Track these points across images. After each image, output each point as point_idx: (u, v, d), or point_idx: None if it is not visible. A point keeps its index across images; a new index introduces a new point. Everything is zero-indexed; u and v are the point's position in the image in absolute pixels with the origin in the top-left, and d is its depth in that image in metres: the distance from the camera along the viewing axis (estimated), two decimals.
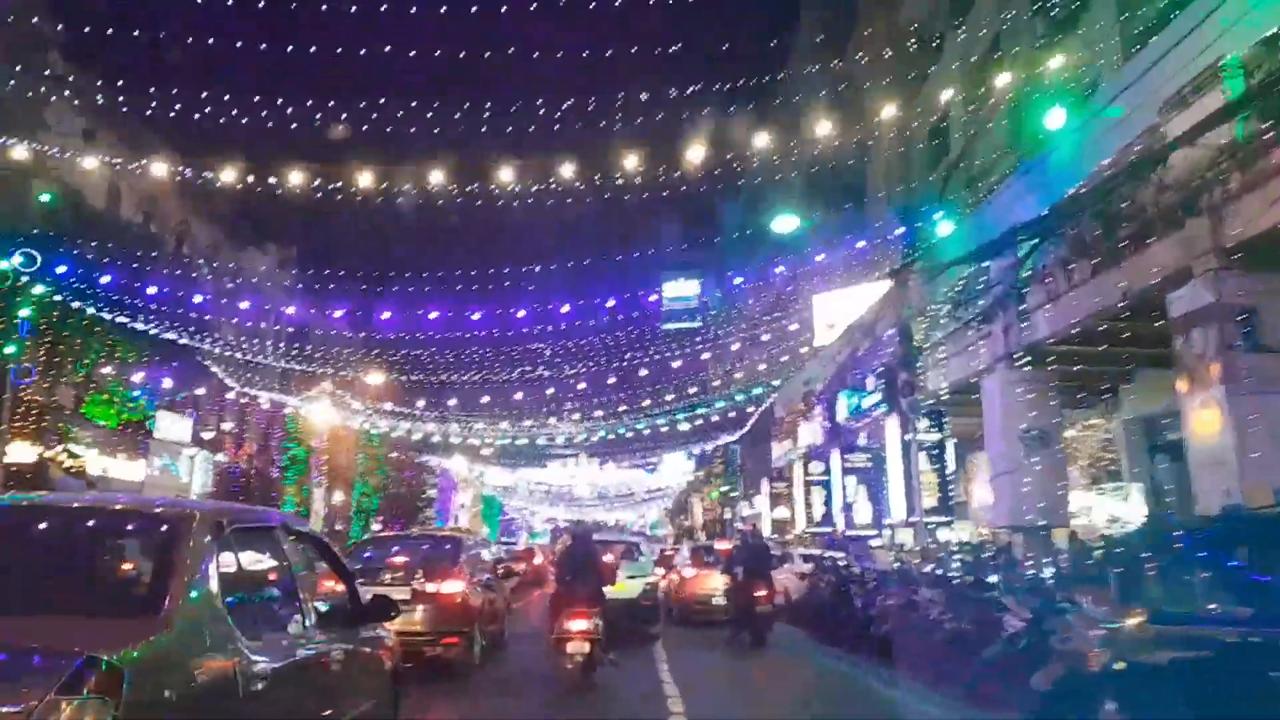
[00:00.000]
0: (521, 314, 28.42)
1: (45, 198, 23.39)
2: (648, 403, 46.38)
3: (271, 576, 4.41)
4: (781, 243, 36.91)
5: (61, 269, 21.39)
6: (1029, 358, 15.78)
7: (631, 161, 16.49)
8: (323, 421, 37.08)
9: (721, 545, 22.48)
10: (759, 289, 42.43)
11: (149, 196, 31.71)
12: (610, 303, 27.97)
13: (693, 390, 48.62)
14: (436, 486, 53.92)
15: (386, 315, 31.96)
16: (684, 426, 52.82)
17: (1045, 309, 15.12)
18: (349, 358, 40.85)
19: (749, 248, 43.50)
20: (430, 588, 10.29)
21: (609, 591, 11.61)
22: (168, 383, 27.32)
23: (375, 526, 37.55)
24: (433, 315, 27.65)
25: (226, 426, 29.55)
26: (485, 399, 42.91)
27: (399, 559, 11.31)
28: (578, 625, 10.15)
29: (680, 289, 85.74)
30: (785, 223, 19.85)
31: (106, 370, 24.78)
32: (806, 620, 17.26)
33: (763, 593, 14.90)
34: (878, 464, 25.76)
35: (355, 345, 44.11)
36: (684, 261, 57.34)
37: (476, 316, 27.55)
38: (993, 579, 11.88)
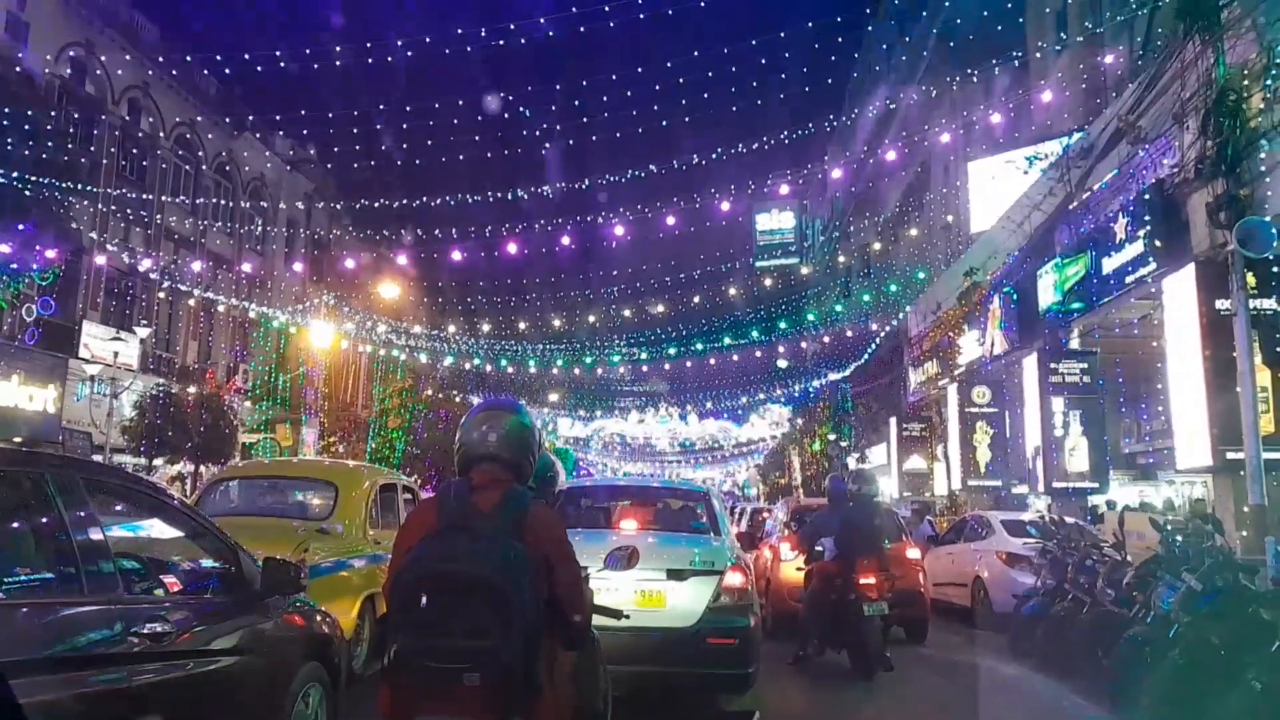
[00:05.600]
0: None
1: None
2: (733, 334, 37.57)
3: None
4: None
5: None
6: None
7: None
8: (320, 343, 29.04)
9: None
10: (884, 173, 32.72)
11: None
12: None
13: (793, 321, 39.56)
14: None
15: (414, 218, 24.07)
16: (782, 364, 43.97)
17: None
18: (372, 260, 32.80)
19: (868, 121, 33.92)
20: None
21: (608, 621, 3.47)
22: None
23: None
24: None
25: (145, 334, 21.70)
26: (554, 329, 34.90)
27: None
28: None
29: (774, 221, 76.16)
30: None
31: None
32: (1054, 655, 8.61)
33: (870, 580, 8.28)
34: (1096, 379, 16.27)
35: (379, 252, 36.14)
36: (783, 172, 47.52)
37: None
38: None
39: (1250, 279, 10.93)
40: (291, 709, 4.29)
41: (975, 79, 23.60)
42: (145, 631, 3.34)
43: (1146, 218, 12.71)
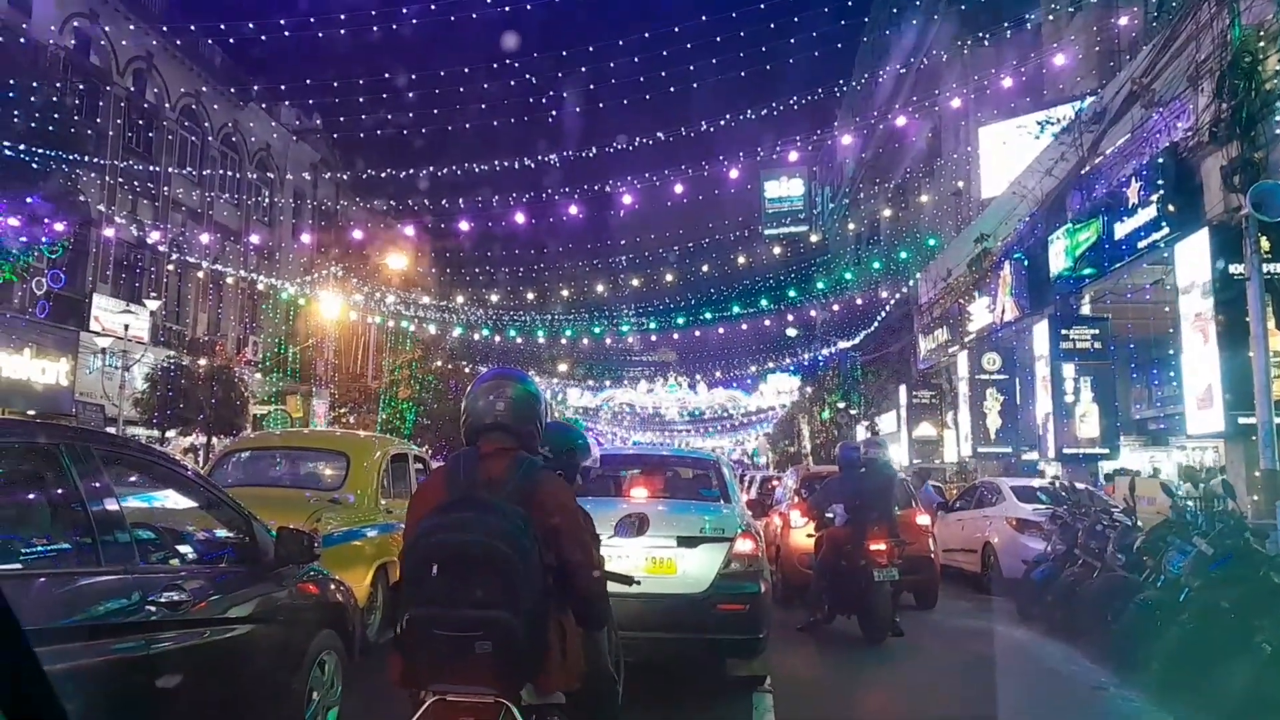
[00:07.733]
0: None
1: None
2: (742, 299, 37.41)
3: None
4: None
5: None
6: None
7: None
8: (329, 314, 29.08)
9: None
10: (894, 139, 32.46)
11: None
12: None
13: (802, 289, 39.31)
14: None
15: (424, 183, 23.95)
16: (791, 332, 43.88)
17: None
18: (380, 231, 32.73)
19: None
20: None
21: (619, 588, 3.39)
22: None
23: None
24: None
25: (155, 306, 21.78)
26: (563, 298, 34.81)
27: None
28: None
29: (783, 189, 75.57)
30: None
31: None
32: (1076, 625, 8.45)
33: (881, 546, 8.31)
34: (1107, 345, 16.18)
35: (386, 222, 36.04)
36: (791, 139, 47.29)
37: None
38: None
39: (1264, 243, 10.80)
40: (307, 676, 4.35)
41: (986, 42, 23.34)
42: (162, 600, 3.37)
43: (1160, 182, 12.57)
